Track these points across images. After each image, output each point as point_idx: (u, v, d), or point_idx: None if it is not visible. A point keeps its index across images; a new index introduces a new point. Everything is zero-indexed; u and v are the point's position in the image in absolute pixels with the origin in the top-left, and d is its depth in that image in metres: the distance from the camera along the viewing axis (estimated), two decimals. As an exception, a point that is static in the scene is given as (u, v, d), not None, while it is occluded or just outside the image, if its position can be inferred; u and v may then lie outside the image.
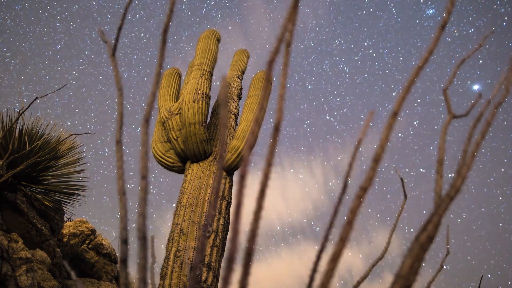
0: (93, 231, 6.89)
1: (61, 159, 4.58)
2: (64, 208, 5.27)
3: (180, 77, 4.13)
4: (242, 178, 0.57)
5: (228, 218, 3.01)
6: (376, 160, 0.74)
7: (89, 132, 3.85)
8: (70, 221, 7.22)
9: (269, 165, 0.62)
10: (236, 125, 3.95)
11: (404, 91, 0.81)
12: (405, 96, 0.79)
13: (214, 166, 3.20)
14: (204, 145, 3.30)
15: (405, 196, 1.75)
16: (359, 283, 1.39)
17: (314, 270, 0.70)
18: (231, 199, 3.18)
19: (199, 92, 3.38)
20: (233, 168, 3.29)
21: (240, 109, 4.20)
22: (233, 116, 3.93)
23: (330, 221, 0.74)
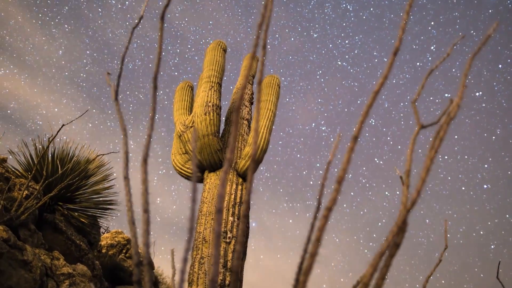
0: (128, 241, 7.24)
1: (91, 177, 4.89)
2: (99, 222, 5.61)
3: (192, 89, 4.31)
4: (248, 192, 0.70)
5: (247, 223, 3.15)
6: (339, 182, 0.84)
7: (113, 151, 4.10)
8: (107, 232, 7.64)
9: (247, 207, 0.75)
10: (250, 130, 4.07)
11: (363, 115, 0.90)
12: (364, 121, 0.88)
13: (230, 174, 3.34)
14: (219, 154, 3.46)
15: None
16: (358, 283, 1.47)
17: (297, 280, 0.82)
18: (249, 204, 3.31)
19: (210, 104, 3.54)
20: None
21: (252, 114, 4.32)
22: (246, 122, 4.06)
23: (308, 235, 0.85)
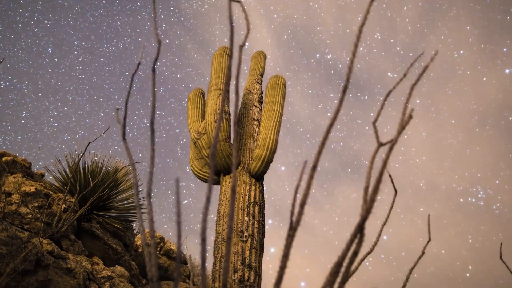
0: (162, 239, 7.68)
1: (120, 185, 5.27)
2: (132, 225, 6.02)
3: (203, 96, 4.53)
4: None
5: (263, 221, 3.38)
6: (302, 205, 1.03)
7: (137, 161, 4.42)
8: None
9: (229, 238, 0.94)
10: (260, 130, 4.26)
11: (320, 146, 1.08)
12: (321, 151, 1.06)
13: (243, 175, 3.57)
14: (232, 158, 3.69)
15: (395, 191, 1.95)
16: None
17: None
18: (263, 203, 3.53)
19: (219, 111, 3.75)
20: (260, 174, 3.64)
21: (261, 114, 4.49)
22: (256, 122, 4.25)
23: (284, 248, 1.05)
